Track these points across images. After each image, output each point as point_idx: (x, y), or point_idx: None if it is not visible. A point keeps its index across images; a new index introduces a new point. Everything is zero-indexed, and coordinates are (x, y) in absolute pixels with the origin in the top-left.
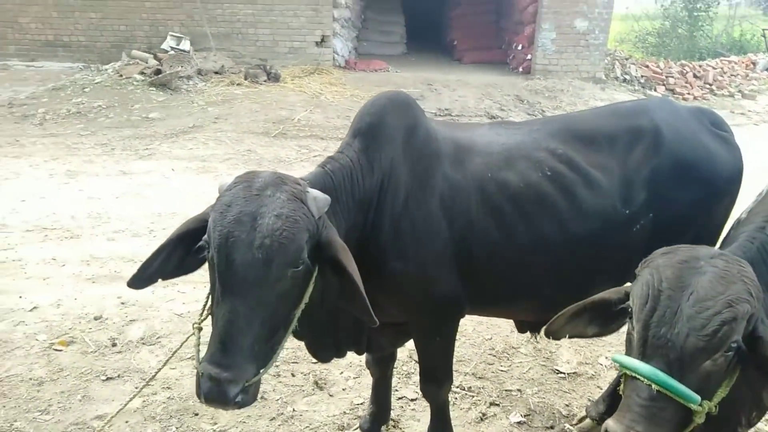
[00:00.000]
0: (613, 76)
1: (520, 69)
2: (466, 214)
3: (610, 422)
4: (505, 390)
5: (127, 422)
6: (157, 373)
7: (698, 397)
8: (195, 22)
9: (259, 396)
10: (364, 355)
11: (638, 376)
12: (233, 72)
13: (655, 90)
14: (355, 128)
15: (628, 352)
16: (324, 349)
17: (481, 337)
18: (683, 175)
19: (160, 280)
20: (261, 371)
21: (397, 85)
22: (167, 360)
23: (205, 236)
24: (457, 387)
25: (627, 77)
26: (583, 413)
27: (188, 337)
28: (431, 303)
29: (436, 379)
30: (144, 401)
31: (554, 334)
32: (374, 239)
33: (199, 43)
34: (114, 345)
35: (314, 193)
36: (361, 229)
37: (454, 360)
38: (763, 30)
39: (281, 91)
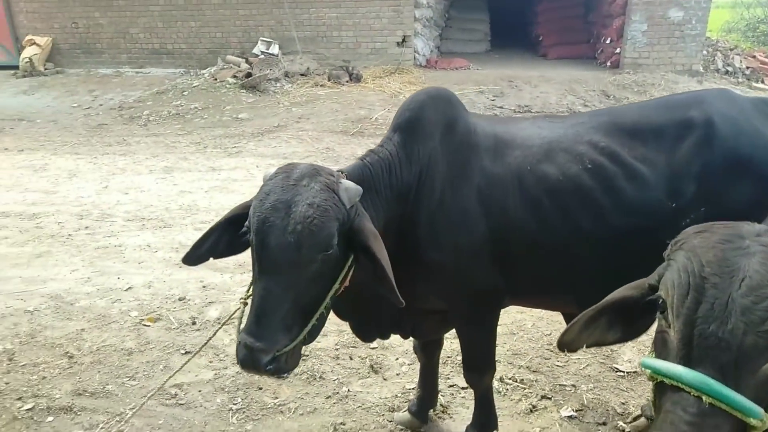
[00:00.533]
0: (713, 68)
1: (608, 63)
2: (503, 206)
3: None
4: (559, 385)
5: (200, 391)
6: (211, 337)
7: (761, 410)
8: (284, 27)
9: (318, 376)
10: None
11: (683, 386)
12: (317, 74)
13: (763, 82)
14: (395, 123)
15: (663, 356)
16: (367, 331)
17: (540, 332)
18: (740, 170)
19: (211, 258)
20: (292, 343)
21: (477, 83)
22: (217, 330)
23: (247, 221)
24: (510, 379)
25: (730, 69)
26: (638, 412)
27: (234, 311)
28: (468, 292)
29: (477, 367)
30: (216, 374)
31: (568, 346)
32: (412, 229)
33: (287, 47)
34: (194, 323)
35: (346, 184)
36: (401, 219)
37: (510, 353)
38: None
39: (362, 91)
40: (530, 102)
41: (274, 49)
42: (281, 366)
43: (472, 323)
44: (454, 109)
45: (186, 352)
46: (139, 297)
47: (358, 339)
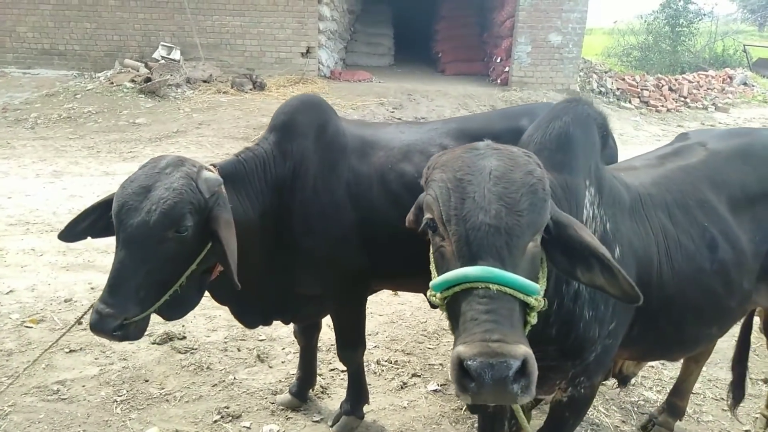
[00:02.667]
0: (589, 88)
1: (499, 81)
2: (368, 199)
3: (460, 348)
4: (429, 364)
5: (83, 386)
6: (87, 311)
7: (537, 286)
8: (185, 33)
9: (205, 366)
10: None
11: (472, 284)
12: (221, 81)
13: (630, 102)
14: (271, 125)
15: (444, 271)
16: (249, 316)
17: (417, 320)
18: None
19: (89, 237)
20: (142, 314)
21: (378, 95)
22: (87, 310)
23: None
24: (386, 361)
25: (603, 89)
26: None
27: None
28: (340, 275)
29: (349, 344)
30: (101, 369)
31: None
32: (289, 219)
33: (189, 53)
34: (80, 323)
35: (206, 174)
36: (278, 210)
37: (389, 339)
38: (744, 45)
39: (265, 99)
40: (426, 114)
41: (176, 55)
42: (128, 333)
43: (344, 304)
44: (325, 114)
45: (70, 351)
46: (21, 300)
47: (245, 329)
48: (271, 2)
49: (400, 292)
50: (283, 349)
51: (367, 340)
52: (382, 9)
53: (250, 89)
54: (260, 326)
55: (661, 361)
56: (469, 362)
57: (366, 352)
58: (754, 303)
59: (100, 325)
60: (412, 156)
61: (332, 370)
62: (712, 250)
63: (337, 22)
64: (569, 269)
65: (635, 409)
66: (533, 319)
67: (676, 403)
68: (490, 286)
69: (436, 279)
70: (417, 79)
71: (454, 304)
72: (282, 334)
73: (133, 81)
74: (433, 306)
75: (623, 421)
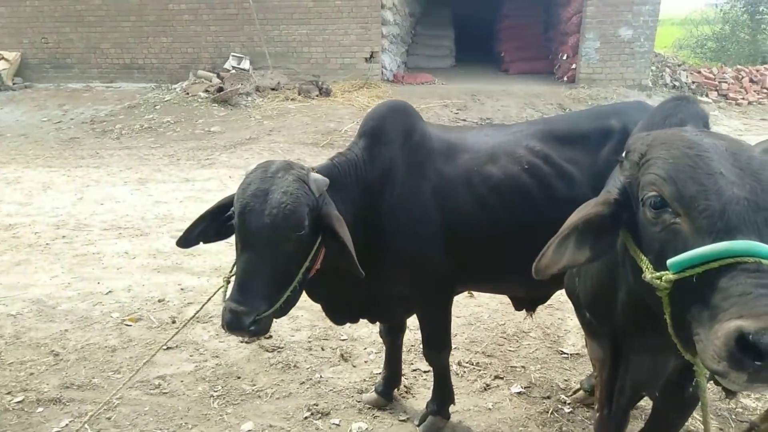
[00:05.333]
0: (661, 83)
1: (565, 78)
2: (454, 202)
3: (740, 322)
4: (511, 366)
5: (182, 382)
6: (194, 316)
7: None
8: (254, 43)
9: (292, 365)
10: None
11: (737, 258)
12: (288, 88)
13: (707, 95)
14: (361, 131)
15: (674, 252)
16: (339, 314)
17: (495, 322)
18: None
19: (202, 243)
20: (271, 309)
21: (441, 97)
22: (203, 305)
23: (232, 207)
24: (467, 363)
25: (677, 83)
26: (578, 386)
27: (219, 288)
28: (427, 277)
29: (435, 345)
30: (196, 366)
31: (545, 270)
32: (378, 221)
33: (258, 62)
34: (173, 322)
35: (315, 176)
36: (368, 212)
37: (468, 341)
38: None
39: (331, 104)
40: (492, 115)
41: (245, 64)
42: (260, 328)
43: (431, 305)
44: (412, 119)
45: (167, 348)
46: (120, 300)
47: (330, 328)
48: (336, 10)
49: (476, 294)
50: (365, 349)
51: None
52: (442, 11)
53: (317, 95)
54: (348, 324)
55: None
56: (755, 337)
57: None
58: None
59: (236, 323)
60: (498, 158)
61: (414, 370)
62: None
63: (399, 26)
64: None
65: (733, 416)
66: None
67: None
68: (762, 261)
69: (682, 256)
70: (480, 80)
71: (700, 284)
72: (363, 334)
73: (206, 91)
74: (522, 308)
75: (721, 429)
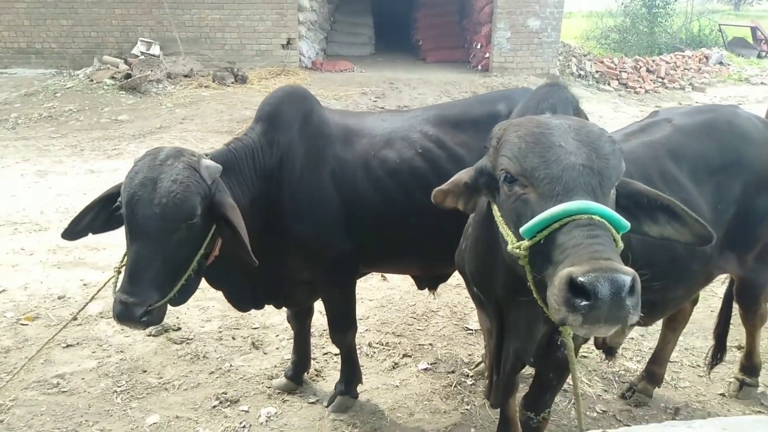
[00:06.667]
0: (568, 72)
1: (479, 67)
2: (352, 185)
3: (570, 268)
4: (419, 344)
5: (83, 379)
6: (81, 309)
7: (627, 223)
8: (164, 28)
9: (201, 355)
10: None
11: (573, 216)
12: (202, 75)
13: (609, 84)
14: (257, 116)
15: (528, 218)
16: (241, 301)
17: (406, 303)
18: None
19: (90, 234)
20: (163, 300)
21: (360, 84)
22: (91, 298)
23: (120, 197)
24: (377, 343)
25: (582, 73)
26: (480, 359)
27: (109, 279)
28: (329, 260)
29: (340, 326)
30: (99, 362)
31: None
32: (278, 205)
33: (169, 48)
34: (75, 319)
35: (207, 162)
36: (267, 197)
37: (379, 322)
38: (720, 25)
39: (247, 92)
40: (409, 102)
41: (155, 50)
42: (153, 318)
43: (334, 287)
44: (309, 104)
45: (67, 346)
46: (15, 299)
47: (242, 317)
48: None
49: (389, 277)
50: (277, 336)
51: (358, 324)
52: None
53: (232, 82)
54: (252, 310)
55: (641, 333)
56: (582, 278)
57: (358, 336)
58: (720, 269)
59: (126, 314)
60: (394, 143)
61: (326, 354)
62: None
63: (317, 12)
64: (636, 226)
65: (616, 378)
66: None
67: (654, 370)
68: (593, 217)
69: (529, 223)
70: (398, 68)
71: (546, 244)
72: (275, 321)
73: (113, 78)
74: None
75: (605, 390)
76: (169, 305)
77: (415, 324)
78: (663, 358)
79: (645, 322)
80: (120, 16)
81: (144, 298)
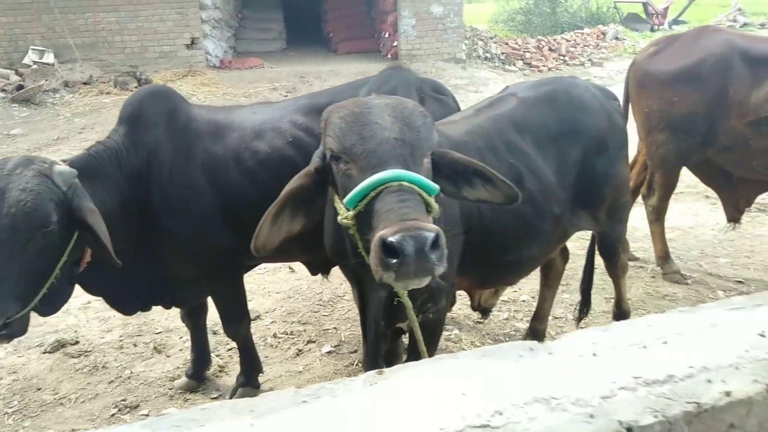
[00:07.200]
0: (475, 55)
1: (389, 56)
2: (225, 178)
3: (381, 231)
4: (324, 330)
5: None
6: None
7: (437, 187)
8: (57, 34)
9: (101, 366)
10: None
11: (386, 184)
12: (103, 81)
13: (514, 64)
14: (119, 117)
15: (350, 190)
16: (124, 304)
17: (312, 291)
18: None
19: None
20: (24, 310)
21: (271, 80)
22: None
23: None
24: (282, 333)
25: (488, 55)
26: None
27: None
28: (210, 255)
29: (232, 319)
30: None
31: (264, 246)
32: (151, 206)
33: (64, 55)
34: None
35: (60, 168)
36: (138, 197)
37: (285, 312)
38: (615, 2)
39: None
40: None
41: (49, 58)
42: (13, 331)
43: (219, 282)
44: (173, 102)
45: None
46: None
47: (144, 323)
48: None
49: (296, 268)
50: (181, 338)
51: (264, 316)
52: None
53: (135, 87)
54: (156, 315)
55: (532, 296)
56: (390, 239)
57: (263, 327)
58: (575, 227)
59: None
60: (265, 134)
61: (230, 349)
62: (519, 182)
63: (221, 9)
64: (456, 191)
65: (506, 338)
66: (435, 213)
67: (536, 327)
68: (402, 183)
69: (350, 194)
70: (310, 61)
71: (365, 214)
72: (179, 324)
73: (3, 90)
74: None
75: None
76: (41, 316)
77: (321, 311)
78: (543, 315)
79: (510, 280)
80: (6, 24)
81: (2, 311)
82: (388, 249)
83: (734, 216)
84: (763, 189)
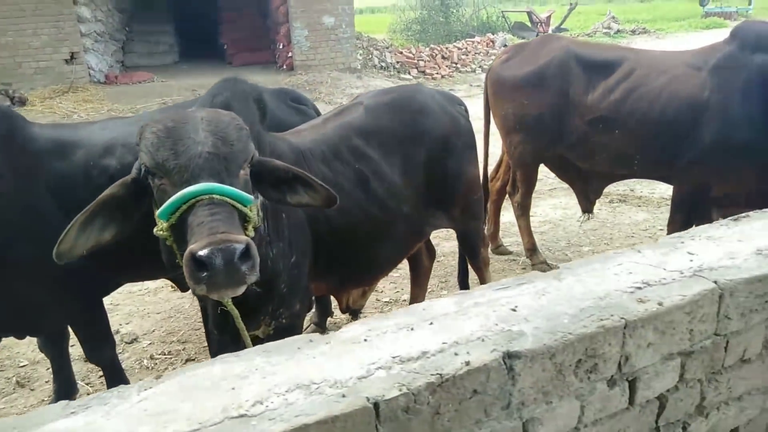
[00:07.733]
0: (371, 64)
1: (285, 66)
2: (74, 198)
3: (191, 246)
4: (204, 347)
5: None
6: None
7: (252, 197)
8: None
9: None
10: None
11: (196, 198)
12: None
13: (409, 73)
14: None
15: (162, 204)
16: None
17: (195, 308)
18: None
19: None
20: None
21: (161, 95)
22: None
23: None
24: (160, 354)
25: (384, 64)
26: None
27: None
28: (60, 281)
29: (95, 343)
30: None
31: (68, 254)
32: None
33: None
34: None
35: None
36: None
37: (165, 333)
38: (503, 12)
39: (28, 114)
40: None
41: None
42: None
43: (75, 307)
44: (10, 122)
45: None
46: None
47: (8, 357)
48: (17, 8)
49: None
50: (48, 369)
51: (141, 338)
52: (159, 5)
53: (9, 106)
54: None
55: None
56: (200, 253)
57: (140, 350)
58: (433, 226)
59: None
60: (114, 150)
61: (101, 376)
62: (365, 185)
63: (104, 22)
64: (281, 197)
65: None
66: (251, 232)
67: None
68: (213, 196)
69: (162, 207)
70: (204, 74)
71: (180, 227)
72: (44, 357)
73: None
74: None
75: None
76: None
77: (203, 328)
78: None
79: (369, 280)
80: None
81: None
82: (198, 262)
83: (587, 207)
84: (609, 180)
